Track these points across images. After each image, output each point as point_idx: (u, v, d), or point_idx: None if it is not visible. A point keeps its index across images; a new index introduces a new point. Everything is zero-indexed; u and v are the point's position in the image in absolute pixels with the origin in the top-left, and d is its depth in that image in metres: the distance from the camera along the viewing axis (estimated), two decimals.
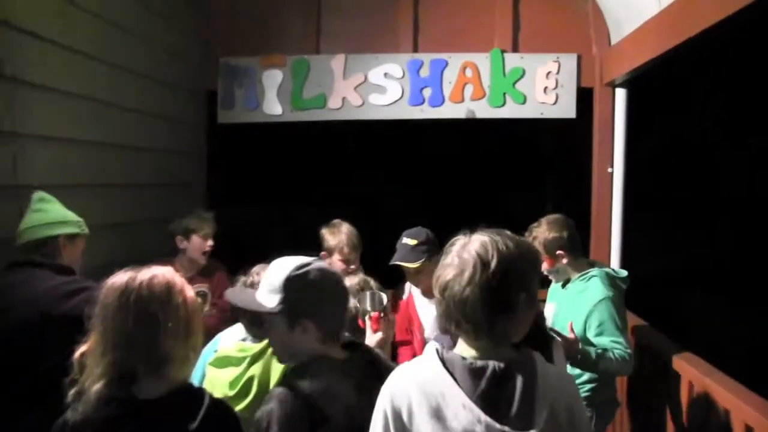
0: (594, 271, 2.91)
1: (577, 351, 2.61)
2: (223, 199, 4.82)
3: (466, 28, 4.18)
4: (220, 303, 3.23)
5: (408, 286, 3.20)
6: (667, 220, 8.47)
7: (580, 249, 3.01)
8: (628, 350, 2.74)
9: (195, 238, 3.30)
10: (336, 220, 3.24)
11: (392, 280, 3.16)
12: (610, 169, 4.06)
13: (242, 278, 2.15)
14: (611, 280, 2.91)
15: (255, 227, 7.12)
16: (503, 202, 8.80)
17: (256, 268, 2.12)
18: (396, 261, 2.97)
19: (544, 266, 2.96)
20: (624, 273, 3.00)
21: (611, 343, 2.73)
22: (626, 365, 2.73)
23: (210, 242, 3.34)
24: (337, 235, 3.16)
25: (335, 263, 3.10)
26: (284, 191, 8.30)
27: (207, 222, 3.36)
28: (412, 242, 2.96)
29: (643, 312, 3.60)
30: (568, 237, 2.92)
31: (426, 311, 3.02)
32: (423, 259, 2.92)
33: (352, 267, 3.13)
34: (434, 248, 2.91)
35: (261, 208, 7.97)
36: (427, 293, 3.02)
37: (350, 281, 2.27)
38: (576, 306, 2.88)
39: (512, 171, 9.14)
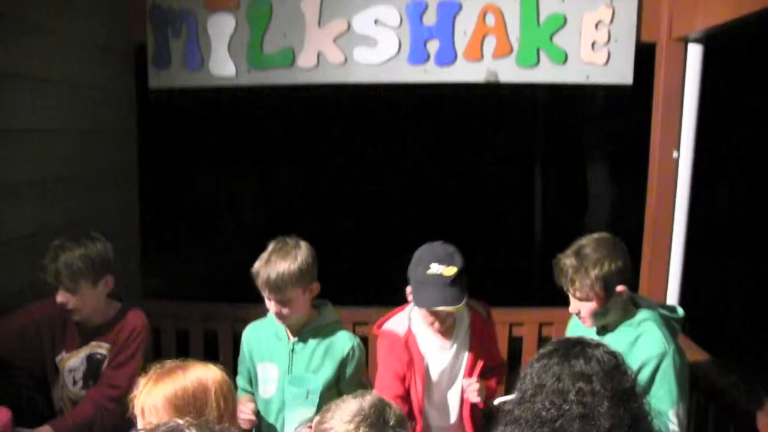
0: (644, 313, 2.17)
1: None
2: (162, 191, 3.83)
3: None
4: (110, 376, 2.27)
5: (406, 315, 2.38)
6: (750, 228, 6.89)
7: None
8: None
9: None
10: (287, 240, 2.25)
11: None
12: (675, 154, 3.04)
13: None
14: (666, 323, 2.19)
15: (204, 229, 6.00)
16: (527, 194, 7.70)
17: None
18: (435, 306, 2.19)
19: (590, 307, 2.13)
20: (680, 312, 2.30)
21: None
22: None
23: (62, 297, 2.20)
24: (262, 264, 2.20)
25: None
26: (240, 180, 7.07)
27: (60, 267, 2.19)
28: (449, 272, 2.17)
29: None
30: (626, 267, 2.13)
31: (437, 355, 2.34)
32: (465, 297, 2.20)
33: (285, 311, 2.21)
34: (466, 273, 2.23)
35: (209, 201, 6.72)
36: (447, 334, 2.33)
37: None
38: None
39: (543, 153, 8.01)
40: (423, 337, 2.32)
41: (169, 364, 1.59)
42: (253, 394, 2.38)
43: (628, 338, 2.14)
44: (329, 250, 2.73)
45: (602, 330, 2.22)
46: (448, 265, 2.17)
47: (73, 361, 2.31)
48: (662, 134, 3.09)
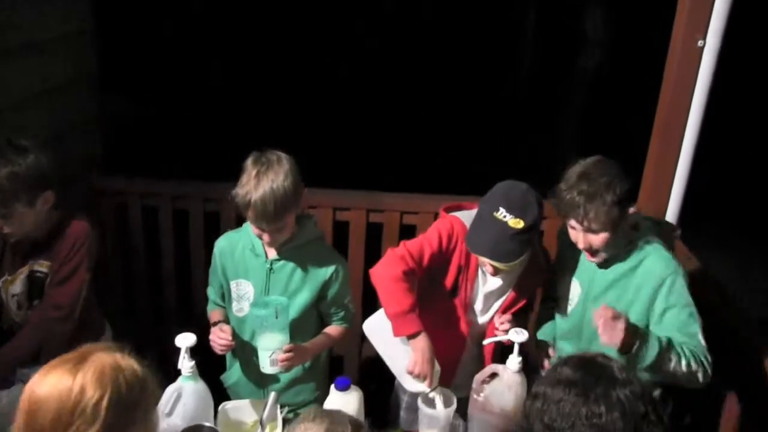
0: (646, 234, 2.03)
1: (630, 331, 1.76)
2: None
3: None
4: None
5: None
6: None
7: None
8: (708, 357, 1.88)
9: None
10: (267, 156, 1.94)
11: None
12: (701, 42, 2.63)
13: None
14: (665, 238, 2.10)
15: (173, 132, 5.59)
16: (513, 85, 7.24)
17: None
18: (482, 255, 1.97)
19: (605, 238, 1.93)
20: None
21: (684, 338, 1.88)
22: (703, 374, 1.86)
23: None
24: (249, 189, 1.89)
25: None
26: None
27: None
28: (515, 224, 1.89)
29: None
30: (633, 186, 1.97)
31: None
32: (526, 254, 1.99)
33: (279, 237, 1.99)
34: (538, 228, 2.04)
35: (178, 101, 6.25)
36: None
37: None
38: (625, 289, 2.02)
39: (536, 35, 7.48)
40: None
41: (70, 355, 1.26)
42: (224, 308, 2.18)
43: (628, 263, 2.02)
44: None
45: (603, 262, 2.05)
46: (517, 216, 1.90)
47: (16, 284, 2.10)
48: (688, 16, 2.62)
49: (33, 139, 2.03)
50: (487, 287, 2.15)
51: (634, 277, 2.01)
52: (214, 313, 2.18)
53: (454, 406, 1.90)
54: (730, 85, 3.07)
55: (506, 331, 2.01)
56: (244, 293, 2.10)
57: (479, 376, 1.93)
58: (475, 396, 1.90)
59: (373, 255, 3.00)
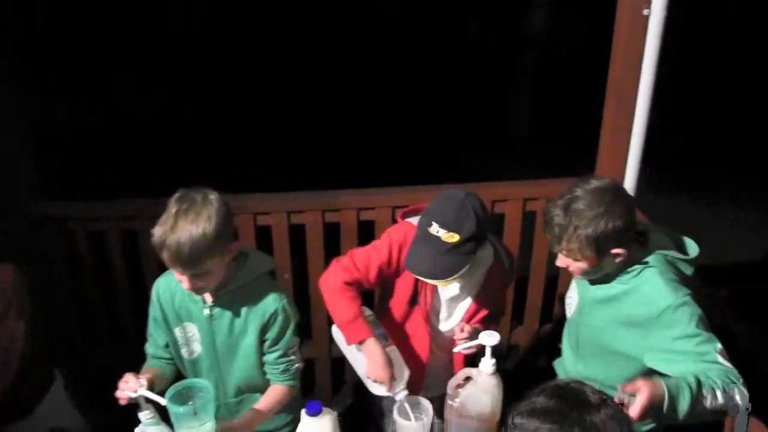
0: (648, 258, 1.82)
1: (658, 394, 1.54)
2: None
3: None
4: None
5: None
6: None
7: None
8: (738, 376, 1.68)
9: None
10: (192, 195, 1.75)
11: None
12: (646, 11, 2.61)
13: None
14: (674, 270, 1.82)
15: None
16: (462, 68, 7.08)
17: None
18: (417, 275, 1.89)
19: (580, 267, 1.83)
20: (693, 250, 1.90)
21: (704, 365, 1.67)
22: (741, 395, 1.64)
23: None
24: (165, 230, 1.70)
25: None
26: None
27: None
28: (449, 238, 1.80)
29: None
30: (628, 227, 1.76)
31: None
32: (465, 268, 1.84)
33: (203, 284, 1.79)
34: (481, 237, 1.86)
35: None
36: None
37: None
38: (617, 310, 1.88)
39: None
40: None
41: None
42: (167, 360, 1.99)
43: (628, 286, 1.86)
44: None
45: (594, 280, 1.92)
46: (451, 230, 1.80)
47: None
48: None
49: None
50: (448, 293, 2.08)
51: (629, 302, 1.85)
52: (148, 371, 1.90)
53: (430, 418, 1.84)
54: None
55: (468, 339, 1.97)
56: (191, 335, 1.95)
57: (453, 381, 1.87)
58: (450, 402, 1.85)
59: (334, 256, 2.93)
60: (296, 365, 1.99)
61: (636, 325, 1.84)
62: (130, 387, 1.70)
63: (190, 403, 1.70)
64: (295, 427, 1.99)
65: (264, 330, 1.92)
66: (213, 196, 1.74)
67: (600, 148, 2.92)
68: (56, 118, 3.66)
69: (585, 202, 1.73)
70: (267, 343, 1.93)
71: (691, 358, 1.71)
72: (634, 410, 1.52)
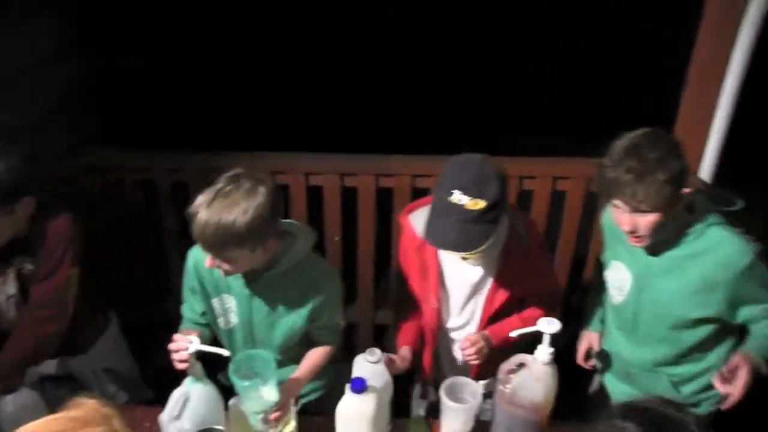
0: (705, 217, 1.77)
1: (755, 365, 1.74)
2: None
3: None
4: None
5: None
6: None
7: None
8: None
9: None
10: (243, 180, 1.63)
11: None
12: None
13: None
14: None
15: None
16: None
17: None
18: (443, 248, 1.78)
19: (653, 220, 1.70)
20: (740, 201, 1.85)
21: None
22: None
23: None
24: (200, 205, 1.62)
25: None
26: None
27: None
28: (474, 205, 1.64)
29: None
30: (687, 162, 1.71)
31: (458, 268, 1.95)
32: (493, 237, 1.70)
33: (226, 267, 1.71)
34: (504, 204, 1.71)
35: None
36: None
37: None
38: (687, 279, 1.80)
39: None
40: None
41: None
42: (205, 326, 1.95)
43: (694, 249, 1.79)
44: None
45: (653, 248, 1.82)
46: (475, 196, 1.65)
47: (8, 285, 1.99)
48: None
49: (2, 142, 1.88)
50: (468, 277, 1.96)
51: (700, 265, 1.78)
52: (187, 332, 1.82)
53: (478, 401, 1.78)
54: None
55: (472, 355, 1.92)
56: (228, 306, 1.88)
57: (505, 366, 1.79)
58: (501, 387, 1.77)
59: (384, 222, 2.85)
60: (340, 325, 1.99)
61: (712, 286, 1.77)
62: (182, 346, 1.67)
63: (254, 374, 1.67)
64: (326, 392, 2.00)
65: (314, 314, 1.86)
66: (264, 189, 1.62)
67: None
68: (114, 68, 3.63)
69: (648, 146, 1.65)
70: (314, 315, 1.87)
71: None
72: (737, 388, 1.67)
